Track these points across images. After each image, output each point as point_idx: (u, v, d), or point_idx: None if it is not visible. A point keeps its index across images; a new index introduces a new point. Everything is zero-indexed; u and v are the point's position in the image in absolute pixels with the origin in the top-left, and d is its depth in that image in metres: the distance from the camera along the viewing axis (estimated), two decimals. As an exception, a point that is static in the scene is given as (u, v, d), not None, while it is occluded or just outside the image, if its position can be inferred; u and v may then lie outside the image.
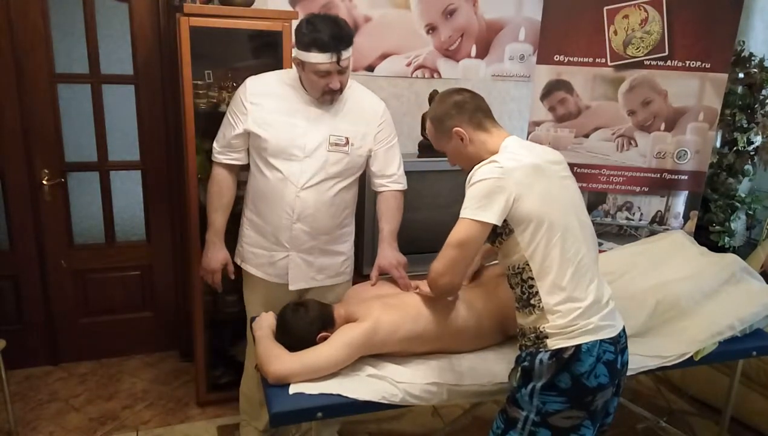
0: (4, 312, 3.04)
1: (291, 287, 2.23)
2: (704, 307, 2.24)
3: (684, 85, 3.01)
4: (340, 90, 2.07)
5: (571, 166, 3.06)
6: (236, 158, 2.21)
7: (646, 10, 2.95)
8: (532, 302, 1.63)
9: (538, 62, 3.10)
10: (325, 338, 1.81)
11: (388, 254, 2.20)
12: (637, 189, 3.14)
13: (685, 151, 3.08)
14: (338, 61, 1.97)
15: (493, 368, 1.90)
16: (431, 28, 3.28)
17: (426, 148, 3.07)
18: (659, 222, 3.17)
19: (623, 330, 1.71)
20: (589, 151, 3.14)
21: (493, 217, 1.58)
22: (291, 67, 2.18)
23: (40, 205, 2.97)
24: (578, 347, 1.58)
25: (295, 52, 2.02)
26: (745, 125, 3.36)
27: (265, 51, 2.67)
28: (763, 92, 3.36)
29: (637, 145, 3.10)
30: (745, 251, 3.31)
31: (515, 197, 1.58)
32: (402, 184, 2.30)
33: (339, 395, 1.73)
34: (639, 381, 3.04)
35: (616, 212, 3.19)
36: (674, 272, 2.37)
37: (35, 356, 3.14)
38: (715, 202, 3.47)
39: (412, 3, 3.20)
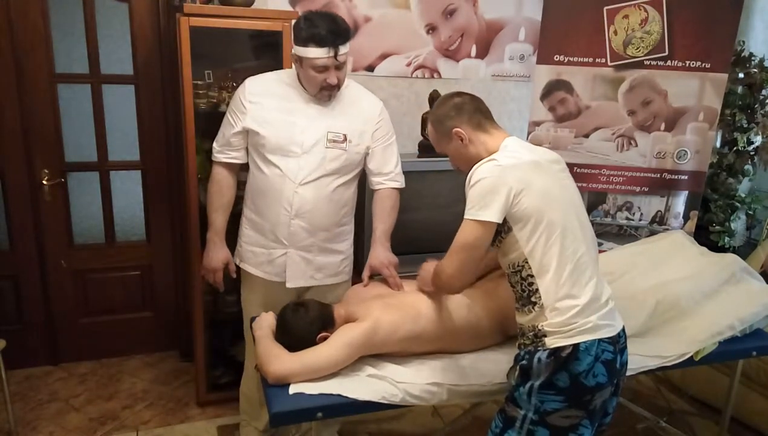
0: (4, 312, 3.04)
1: (288, 285, 2.24)
2: (704, 307, 2.24)
3: (684, 85, 3.01)
4: (338, 86, 2.09)
5: (571, 166, 3.09)
6: (235, 157, 2.22)
7: (646, 10, 2.95)
8: (532, 299, 1.64)
9: (538, 62, 3.10)
10: (325, 338, 1.81)
11: (380, 254, 2.21)
12: (637, 189, 3.14)
13: (685, 151, 3.08)
14: (336, 56, 2.01)
15: (493, 368, 1.90)
16: (431, 28, 3.28)
17: (426, 148, 3.07)
18: (659, 222, 3.17)
19: (623, 330, 1.71)
20: (589, 151, 3.14)
21: (495, 215, 1.59)
22: (291, 67, 2.20)
23: (40, 205, 2.97)
24: (576, 345, 1.58)
25: (294, 49, 2.05)
26: (745, 125, 3.36)
27: (265, 51, 2.67)
28: (763, 92, 3.36)
29: (637, 145, 3.10)
30: (745, 251, 3.31)
31: (515, 193, 1.59)
32: (399, 183, 2.31)
33: (339, 395, 1.73)
34: (639, 381, 3.04)
35: (616, 212, 3.19)
36: (674, 272, 2.37)
37: (35, 356, 3.14)
38: (715, 202, 3.47)
39: (412, 3, 3.20)
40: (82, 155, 3.04)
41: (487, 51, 3.41)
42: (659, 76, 3.01)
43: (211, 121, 2.37)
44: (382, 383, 1.79)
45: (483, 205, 1.60)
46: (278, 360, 1.76)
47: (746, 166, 3.42)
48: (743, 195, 3.50)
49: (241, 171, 2.30)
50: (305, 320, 1.85)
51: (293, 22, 2.10)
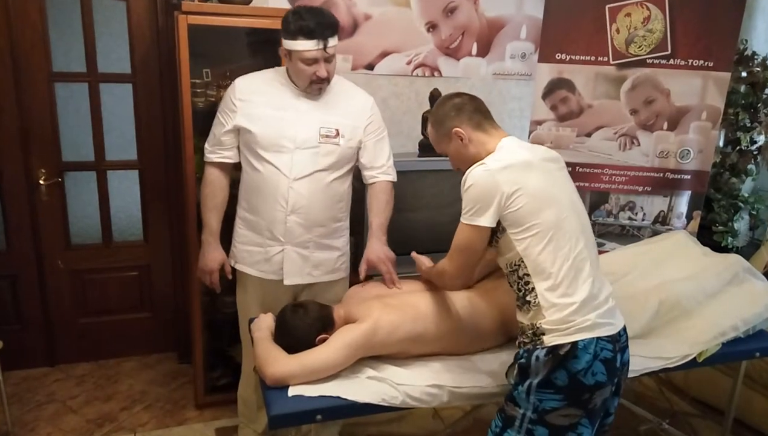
0: (1, 313, 3.02)
1: (286, 282, 2.23)
2: (707, 307, 2.23)
3: (687, 83, 2.99)
4: (328, 79, 2.11)
5: (573, 165, 3.10)
6: (227, 157, 2.22)
7: (648, 9, 2.93)
8: (528, 298, 1.64)
9: (540, 61, 3.08)
10: (324, 340, 1.80)
11: (377, 248, 2.19)
12: (640, 189, 3.12)
13: (688, 151, 3.06)
14: (325, 48, 2.03)
15: (494, 369, 1.88)
16: (432, 26, 3.26)
17: (426, 148, 3.05)
18: (662, 222, 3.15)
19: (623, 330, 1.70)
20: (591, 150, 3.12)
21: (487, 220, 1.63)
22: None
23: (37, 205, 2.96)
24: (574, 343, 1.58)
25: (283, 43, 2.06)
26: (748, 124, 3.35)
27: (263, 49, 2.65)
28: (766, 91, 3.35)
29: (639, 145, 3.08)
30: (748, 251, 3.29)
31: (507, 196, 1.61)
32: (392, 176, 2.32)
33: (339, 397, 1.71)
34: (641, 383, 3.02)
35: (618, 212, 3.17)
36: (677, 272, 2.36)
37: (32, 357, 3.12)
38: (718, 202, 3.45)
39: (413, 1, 3.18)
40: (80, 155, 3.02)
41: (488, 49, 3.39)
42: (662, 74, 3.00)
43: (209, 120, 2.35)
44: (382, 385, 1.78)
45: (476, 211, 1.63)
46: (277, 362, 1.74)
47: (749, 166, 3.41)
48: (746, 195, 3.48)
49: (233, 171, 2.29)
50: (304, 322, 1.83)
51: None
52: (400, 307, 1.89)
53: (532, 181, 1.64)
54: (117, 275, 3.17)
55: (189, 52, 2.40)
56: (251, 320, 2.08)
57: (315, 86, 2.11)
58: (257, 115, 2.13)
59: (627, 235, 3.17)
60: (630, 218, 3.17)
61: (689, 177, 3.09)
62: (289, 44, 2.04)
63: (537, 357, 1.60)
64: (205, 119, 2.49)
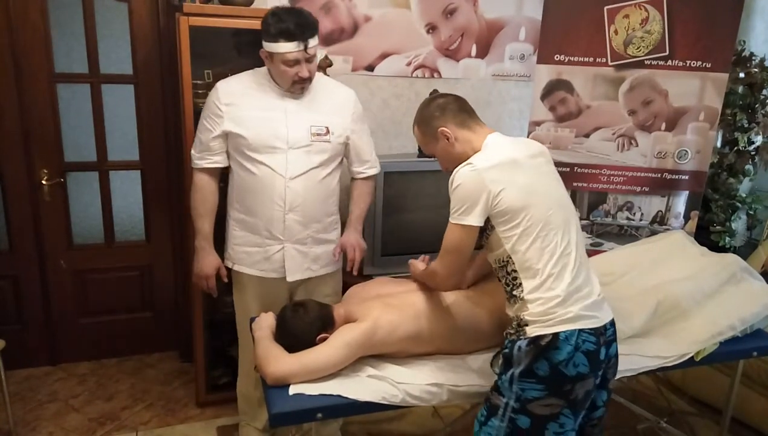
0: (3, 312, 3.03)
1: (289, 279, 2.27)
2: (705, 307, 2.24)
3: (685, 84, 3.00)
4: (309, 79, 2.13)
5: (572, 166, 3.12)
6: (216, 161, 2.22)
7: (646, 10, 2.94)
8: (515, 293, 1.68)
9: (539, 62, 3.09)
10: (324, 339, 1.81)
11: (352, 236, 2.38)
12: (638, 189, 3.13)
13: (686, 151, 3.07)
14: (306, 49, 2.05)
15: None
16: (431, 28, 3.27)
17: (426, 148, 3.06)
18: (660, 222, 3.17)
19: (610, 323, 1.72)
20: (590, 151, 3.13)
21: (475, 219, 1.66)
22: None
23: (40, 206, 2.97)
24: (556, 335, 1.60)
25: (264, 45, 2.07)
26: (746, 125, 3.36)
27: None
28: (764, 92, 3.36)
29: (637, 145, 3.10)
30: (745, 251, 3.31)
31: (494, 195, 1.63)
32: (377, 169, 2.44)
33: (339, 396, 1.73)
34: (640, 381, 3.03)
35: (616, 212, 3.19)
36: (675, 272, 2.37)
37: (35, 356, 3.13)
38: (715, 202, 3.46)
39: (413, 2, 3.20)
40: (82, 155, 3.03)
41: (488, 51, 3.40)
42: (660, 75, 3.01)
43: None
44: (382, 383, 1.79)
45: (464, 211, 1.66)
46: (277, 361, 1.76)
47: (747, 166, 3.42)
48: (744, 195, 3.49)
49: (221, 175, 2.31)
50: (305, 321, 1.84)
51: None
52: (400, 306, 1.90)
53: (519, 180, 1.66)
54: (119, 274, 3.18)
55: (190, 53, 2.42)
56: (252, 320, 2.09)
57: (297, 86, 2.13)
58: (246, 119, 2.14)
59: (625, 235, 3.18)
60: (628, 218, 3.19)
61: (687, 177, 3.10)
62: (270, 46, 2.05)
63: (519, 347, 1.63)
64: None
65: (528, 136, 3.13)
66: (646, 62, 3.00)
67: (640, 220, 3.18)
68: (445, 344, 1.94)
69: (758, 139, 3.38)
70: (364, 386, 1.77)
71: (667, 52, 2.98)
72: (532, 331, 1.63)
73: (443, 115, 1.78)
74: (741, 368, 2.35)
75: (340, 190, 2.38)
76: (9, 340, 2.56)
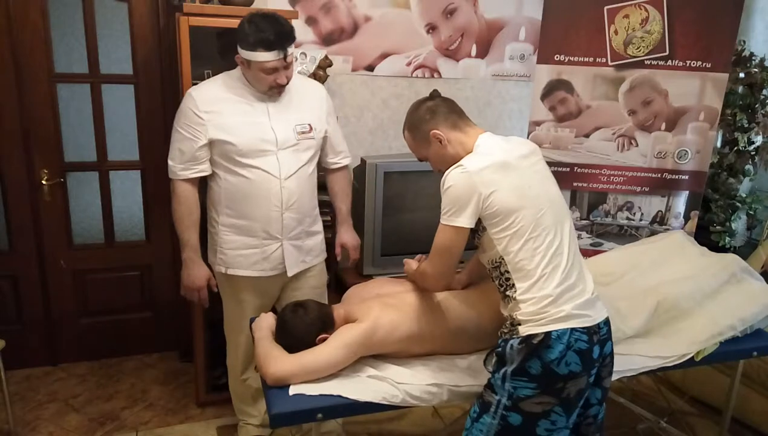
0: (3, 312, 3.03)
1: (290, 274, 2.30)
2: (705, 307, 2.24)
3: (685, 84, 3.00)
4: (287, 84, 2.14)
5: (572, 166, 3.12)
6: (202, 170, 2.20)
7: (646, 10, 2.94)
8: (508, 293, 1.69)
9: (539, 62, 3.09)
10: (324, 339, 1.81)
11: (350, 234, 2.49)
12: (638, 189, 3.13)
13: (686, 151, 3.07)
14: (285, 58, 2.05)
15: (493, 368, 1.89)
16: (431, 28, 3.27)
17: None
18: (660, 222, 3.17)
19: (604, 322, 1.72)
20: (590, 151, 3.13)
21: (466, 221, 1.66)
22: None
23: (40, 205, 2.97)
24: (548, 333, 1.61)
25: (240, 52, 2.07)
26: (746, 125, 3.35)
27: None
28: (764, 92, 3.36)
29: (637, 145, 3.10)
30: (745, 251, 3.30)
31: (484, 197, 1.64)
32: (350, 157, 2.49)
33: (339, 396, 1.73)
34: (640, 381, 3.04)
35: (616, 212, 3.19)
36: (674, 272, 2.37)
37: (35, 356, 3.13)
38: (715, 202, 3.46)
39: (413, 2, 3.20)
40: (82, 155, 3.04)
41: (488, 51, 3.41)
42: (660, 75, 3.01)
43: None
44: (382, 384, 1.79)
45: (455, 212, 1.66)
46: (277, 361, 1.76)
47: (747, 166, 3.42)
48: (744, 195, 3.49)
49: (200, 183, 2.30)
50: (304, 321, 1.84)
51: (295, 24, 2.15)
52: (399, 306, 1.90)
53: (510, 181, 1.67)
54: (119, 274, 3.18)
55: (190, 53, 2.41)
56: (252, 320, 2.10)
57: (274, 91, 2.14)
58: (231, 125, 2.12)
59: (625, 235, 3.18)
60: (628, 218, 3.19)
61: (687, 177, 3.10)
62: (247, 54, 2.04)
63: (511, 346, 1.64)
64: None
65: (528, 136, 3.14)
66: (646, 62, 3.00)
67: (640, 220, 3.18)
68: (445, 344, 1.94)
69: (758, 139, 3.38)
70: (365, 387, 1.77)
71: (667, 52, 2.98)
72: (524, 330, 1.64)
73: (434, 118, 1.78)
74: (741, 368, 2.36)
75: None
76: (9, 340, 2.56)
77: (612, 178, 3.13)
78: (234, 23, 2.44)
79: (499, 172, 1.66)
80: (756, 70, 3.34)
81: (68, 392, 2.97)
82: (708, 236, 3.38)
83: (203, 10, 2.43)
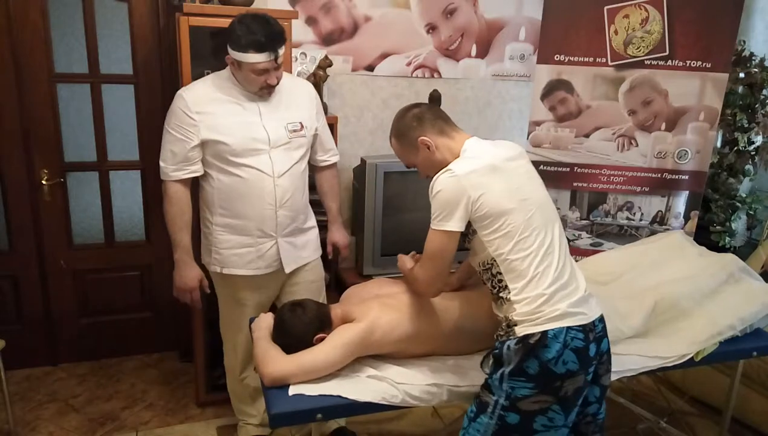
0: (3, 312, 3.04)
1: (287, 270, 2.31)
2: (704, 307, 2.24)
3: (685, 84, 3.00)
4: (277, 84, 2.15)
5: (572, 166, 3.12)
6: (195, 170, 2.20)
7: (646, 10, 2.94)
8: (501, 294, 1.70)
9: (539, 62, 3.09)
10: (322, 339, 1.81)
11: (342, 233, 2.55)
12: (638, 189, 3.13)
13: (686, 151, 3.07)
14: (276, 59, 2.06)
15: (493, 368, 1.89)
16: (431, 28, 3.27)
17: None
18: (660, 222, 3.17)
19: (599, 319, 1.72)
20: (590, 151, 3.13)
21: (456, 225, 1.67)
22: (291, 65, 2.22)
23: (40, 205, 2.97)
24: (544, 333, 1.62)
25: (231, 53, 2.07)
26: (746, 125, 3.35)
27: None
28: (764, 92, 3.36)
29: (637, 145, 3.10)
30: (745, 251, 3.30)
31: (473, 200, 1.65)
32: (338, 155, 2.52)
33: (339, 396, 1.73)
34: (639, 381, 3.04)
35: (616, 212, 3.19)
36: (674, 272, 2.37)
37: (35, 356, 3.13)
38: (715, 202, 3.46)
39: (413, 2, 3.20)
40: (82, 155, 3.04)
41: (488, 50, 3.41)
42: (660, 75, 3.01)
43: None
44: (381, 384, 1.79)
45: (445, 216, 1.67)
46: (274, 361, 1.76)
47: (747, 166, 3.42)
48: (744, 195, 3.49)
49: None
50: (302, 321, 1.84)
51: (295, 24, 2.15)
52: (398, 307, 1.90)
53: (498, 184, 1.67)
54: (119, 274, 3.18)
55: (190, 53, 2.42)
56: (251, 320, 2.10)
57: (265, 91, 2.15)
58: (223, 125, 2.13)
59: (625, 235, 3.18)
60: (628, 218, 3.19)
61: (687, 177, 3.10)
62: (238, 56, 2.04)
63: (508, 346, 1.65)
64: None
65: (528, 136, 3.14)
66: (646, 62, 3.00)
67: (640, 220, 3.18)
68: (444, 344, 1.94)
69: (758, 139, 3.38)
70: (364, 387, 1.77)
71: (667, 52, 2.98)
72: (521, 330, 1.64)
73: (421, 124, 1.78)
74: (741, 368, 2.36)
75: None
76: (9, 340, 2.56)
77: (612, 178, 3.13)
78: (234, 23, 2.45)
79: (487, 175, 1.68)
80: (756, 70, 3.34)
81: (68, 392, 2.97)
82: (708, 236, 3.38)
83: (203, 10, 2.43)
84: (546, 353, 1.61)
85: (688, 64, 2.98)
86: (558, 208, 3.14)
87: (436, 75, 3.35)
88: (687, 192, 3.13)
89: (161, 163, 2.20)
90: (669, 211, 3.16)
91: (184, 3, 2.42)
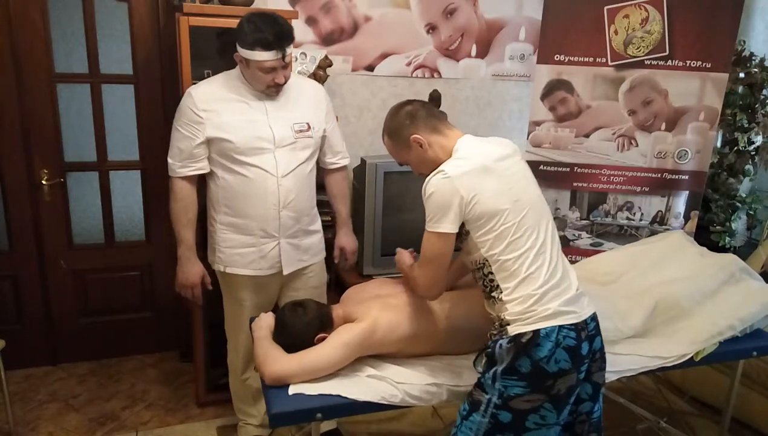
0: (3, 312, 3.03)
1: (285, 272, 2.30)
2: (704, 307, 2.24)
3: (685, 84, 3.00)
4: (285, 83, 2.15)
5: (572, 166, 3.12)
6: (200, 168, 2.21)
7: (646, 10, 2.95)
8: (493, 294, 1.70)
9: (539, 62, 3.09)
10: (323, 339, 1.81)
11: (350, 238, 2.52)
12: (638, 189, 3.13)
13: (686, 151, 3.08)
14: (283, 58, 2.06)
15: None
16: (431, 28, 3.28)
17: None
18: (660, 222, 3.17)
19: (592, 318, 1.72)
20: (590, 151, 3.13)
21: (450, 226, 1.67)
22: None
23: (40, 205, 2.97)
24: (536, 332, 1.62)
25: (239, 50, 2.08)
26: (746, 125, 3.36)
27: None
28: (764, 92, 3.36)
29: (637, 145, 3.10)
30: (745, 251, 3.31)
31: (466, 202, 1.65)
32: (348, 158, 2.50)
33: (339, 396, 1.73)
34: (639, 381, 3.04)
35: (616, 212, 3.19)
36: (674, 272, 2.37)
37: (35, 356, 3.13)
38: (715, 202, 3.46)
39: (413, 2, 3.20)
40: (82, 155, 3.04)
41: (488, 51, 3.41)
42: (660, 75, 3.01)
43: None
44: (381, 383, 1.80)
45: (439, 218, 1.68)
46: (275, 361, 1.76)
47: (747, 166, 3.42)
48: (744, 195, 3.49)
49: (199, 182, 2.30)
50: (303, 321, 1.84)
51: (295, 24, 2.14)
52: (399, 307, 1.90)
53: (490, 185, 1.68)
54: (119, 274, 3.18)
55: (190, 53, 2.42)
56: (252, 320, 2.10)
57: (272, 90, 2.15)
58: (229, 124, 2.13)
59: (625, 235, 3.18)
60: (628, 218, 3.19)
61: (687, 177, 3.10)
62: (246, 53, 2.05)
63: (500, 345, 1.65)
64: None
65: (528, 136, 3.14)
66: (646, 62, 3.00)
67: (640, 220, 3.18)
68: (444, 344, 1.94)
69: (758, 139, 3.38)
70: (364, 386, 1.78)
71: (667, 52, 2.98)
72: (513, 329, 1.64)
73: (414, 122, 1.78)
74: (741, 368, 2.35)
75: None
76: (9, 339, 2.56)
77: (612, 178, 3.13)
78: (234, 23, 2.44)
79: (480, 176, 1.68)
80: (756, 70, 3.35)
81: (68, 392, 2.97)
82: (708, 236, 3.38)
83: (203, 10, 2.43)
84: (538, 351, 1.61)
85: (688, 64, 2.99)
86: (558, 209, 3.15)
87: (436, 75, 3.35)
88: (687, 192, 3.13)
89: (169, 160, 2.23)
90: (669, 211, 3.16)
91: (184, 3, 2.42)
